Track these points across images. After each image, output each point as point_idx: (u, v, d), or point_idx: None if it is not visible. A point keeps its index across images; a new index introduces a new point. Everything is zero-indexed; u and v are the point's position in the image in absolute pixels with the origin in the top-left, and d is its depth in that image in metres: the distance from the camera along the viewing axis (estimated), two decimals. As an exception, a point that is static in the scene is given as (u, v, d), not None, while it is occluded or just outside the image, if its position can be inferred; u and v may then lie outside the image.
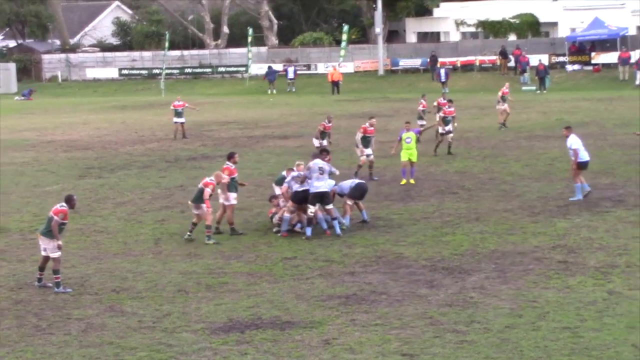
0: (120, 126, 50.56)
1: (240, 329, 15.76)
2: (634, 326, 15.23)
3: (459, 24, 78.61)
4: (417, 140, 30.43)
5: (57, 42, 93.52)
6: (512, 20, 76.48)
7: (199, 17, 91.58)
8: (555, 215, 23.94)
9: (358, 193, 23.55)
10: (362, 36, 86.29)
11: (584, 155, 25.79)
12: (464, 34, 79.10)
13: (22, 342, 15.48)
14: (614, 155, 33.35)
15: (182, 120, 43.39)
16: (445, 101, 36.97)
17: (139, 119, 54.40)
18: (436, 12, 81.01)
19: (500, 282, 18.11)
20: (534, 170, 30.88)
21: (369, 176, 29.68)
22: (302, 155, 29.13)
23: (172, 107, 43.83)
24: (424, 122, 38.02)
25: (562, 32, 73.92)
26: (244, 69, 79.34)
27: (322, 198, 22.50)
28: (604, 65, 68.44)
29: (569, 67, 69.30)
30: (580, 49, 70.51)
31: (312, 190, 22.43)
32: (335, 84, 68.65)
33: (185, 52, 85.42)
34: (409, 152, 29.09)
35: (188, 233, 22.60)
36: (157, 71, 79.48)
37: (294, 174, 23.12)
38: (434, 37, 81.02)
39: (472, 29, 78.47)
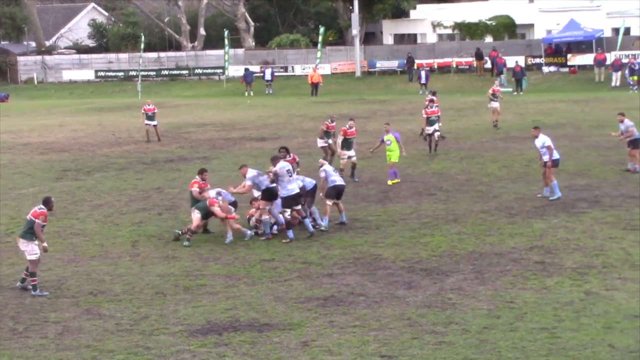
0: (96, 128, 50.33)
1: (218, 332, 15.74)
2: (611, 326, 15.33)
3: (435, 25, 78.75)
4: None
5: (33, 44, 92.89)
6: (488, 22, 76.66)
7: (175, 19, 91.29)
8: (532, 216, 24.04)
9: (335, 192, 23.58)
10: (339, 38, 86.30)
11: (556, 154, 26.04)
12: (440, 35, 79.23)
13: (-1, 346, 15.41)
14: (590, 156, 33.50)
15: (154, 122, 43.19)
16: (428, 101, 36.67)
17: (115, 121, 54.17)
18: (413, 14, 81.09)
19: (478, 283, 18.17)
20: (510, 172, 30.99)
21: (351, 177, 29.75)
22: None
23: (142, 111, 43.66)
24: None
25: (538, 33, 74.16)
26: (220, 70, 79.21)
27: (297, 199, 22.60)
28: (579, 67, 68.73)
29: (545, 69, 69.58)
30: (556, 50, 70.87)
31: (286, 194, 22.43)
32: (314, 85, 68.61)
33: (162, 54, 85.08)
34: (389, 153, 29.56)
35: (180, 231, 22.71)
36: (133, 73, 79.12)
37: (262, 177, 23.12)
38: (411, 38, 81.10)
39: (449, 31, 78.60)
